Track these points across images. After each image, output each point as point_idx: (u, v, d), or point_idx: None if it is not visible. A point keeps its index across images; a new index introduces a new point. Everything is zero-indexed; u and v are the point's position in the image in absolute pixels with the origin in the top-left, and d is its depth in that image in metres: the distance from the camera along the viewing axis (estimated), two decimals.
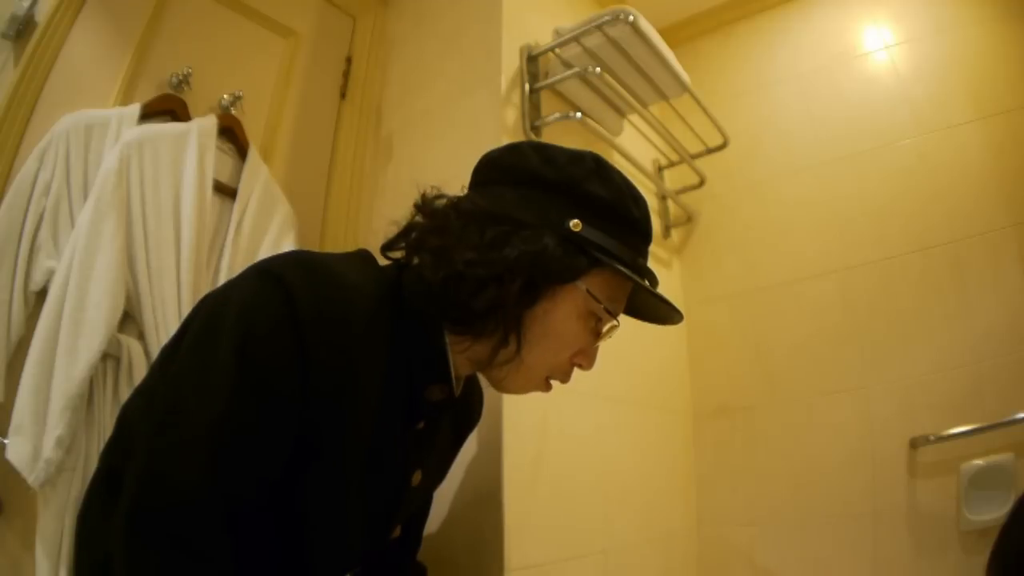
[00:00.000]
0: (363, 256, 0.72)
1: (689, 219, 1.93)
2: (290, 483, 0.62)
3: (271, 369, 0.58)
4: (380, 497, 0.72)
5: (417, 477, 0.78)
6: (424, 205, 0.74)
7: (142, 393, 0.71)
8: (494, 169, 0.75)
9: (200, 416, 0.56)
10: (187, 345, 0.62)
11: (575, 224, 0.68)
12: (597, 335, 0.75)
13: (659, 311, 0.77)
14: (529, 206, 0.69)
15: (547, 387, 0.76)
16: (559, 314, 0.70)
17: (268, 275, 0.61)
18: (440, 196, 0.76)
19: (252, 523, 0.59)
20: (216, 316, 0.61)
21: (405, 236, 0.74)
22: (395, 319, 0.67)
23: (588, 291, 0.70)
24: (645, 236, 0.75)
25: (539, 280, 0.67)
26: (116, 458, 0.68)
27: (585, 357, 0.75)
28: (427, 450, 0.79)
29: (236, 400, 0.56)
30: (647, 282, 0.73)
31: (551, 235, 0.67)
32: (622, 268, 0.69)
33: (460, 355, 0.72)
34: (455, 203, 0.73)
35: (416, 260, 0.70)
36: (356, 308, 0.62)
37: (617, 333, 0.78)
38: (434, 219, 0.71)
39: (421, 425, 0.74)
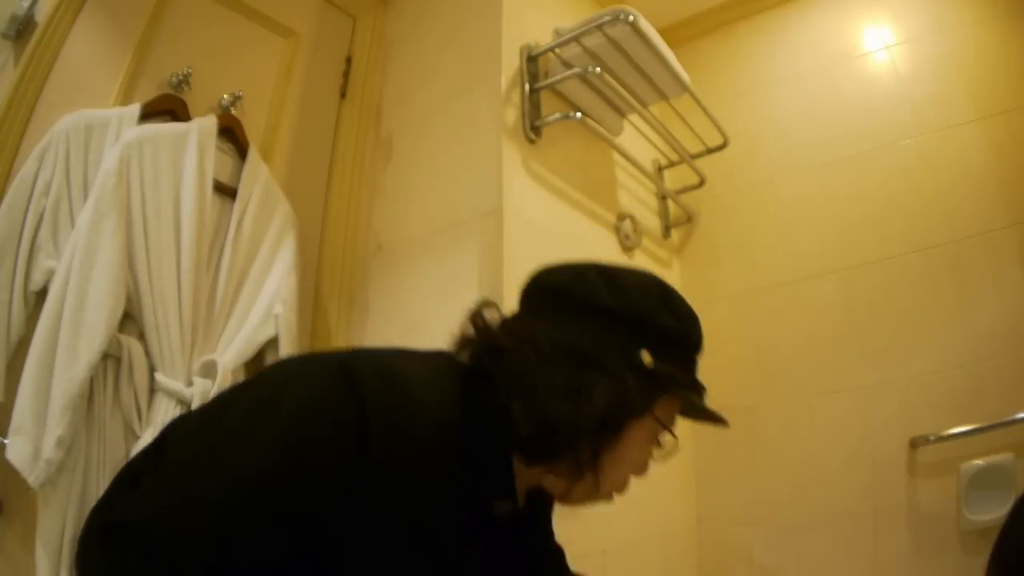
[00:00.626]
0: (446, 369, 0.70)
1: (689, 219, 1.93)
2: None
3: (319, 459, 0.56)
4: None
5: None
6: (489, 333, 0.73)
7: (193, 421, 0.72)
8: (561, 296, 0.73)
9: (230, 468, 0.56)
10: (245, 403, 0.62)
11: (647, 358, 0.68)
12: (656, 454, 0.76)
13: (708, 416, 0.79)
14: (606, 343, 0.69)
15: (610, 499, 0.76)
16: (630, 443, 0.70)
17: (346, 374, 0.60)
18: (491, 305, 0.76)
19: None
20: (285, 387, 0.61)
21: (474, 356, 0.72)
22: (466, 437, 0.65)
23: (656, 418, 0.71)
24: (699, 351, 0.77)
25: (621, 421, 0.68)
26: (147, 466, 0.68)
27: (644, 469, 0.76)
28: (504, 562, 0.78)
29: (271, 466, 0.55)
30: (709, 406, 0.75)
31: (630, 374, 0.67)
32: (689, 394, 0.72)
33: (529, 476, 0.72)
34: (526, 336, 0.70)
35: (501, 397, 0.68)
36: (426, 424, 0.61)
37: None
38: (513, 358, 0.68)
39: (484, 539, 0.73)
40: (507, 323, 0.74)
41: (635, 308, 0.70)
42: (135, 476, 0.68)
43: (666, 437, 0.74)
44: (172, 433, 0.71)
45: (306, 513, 0.57)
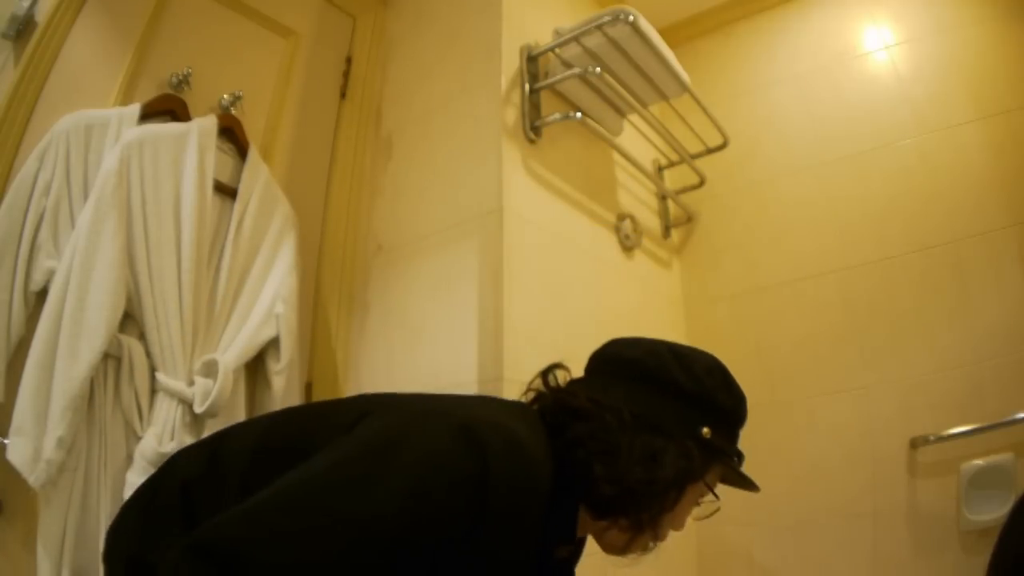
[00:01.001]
0: (539, 430, 0.74)
1: (689, 219, 1.93)
2: None
3: (436, 519, 0.58)
4: None
5: None
6: (565, 397, 0.78)
7: (252, 432, 0.73)
8: (635, 369, 0.80)
9: (342, 512, 0.55)
10: (363, 441, 0.62)
11: (707, 432, 0.76)
12: (696, 511, 0.84)
13: (743, 482, 0.86)
14: (676, 417, 0.76)
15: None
16: (683, 505, 0.78)
17: (471, 437, 0.61)
18: (562, 366, 0.83)
19: None
20: (407, 438, 0.61)
21: (552, 414, 0.77)
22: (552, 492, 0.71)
23: (706, 483, 0.78)
24: (742, 426, 0.85)
25: (682, 486, 0.75)
26: (196, 472, 0.70)
27: (682, 526, 0.82)
28: None
29: (386, 520, 0.56)
30: (749, 477, 0.84)
31: (693, 445, 0.75)
32: (736, 467, 0.81)
33: (588, 525, 0.78)
34: (605, 403, 0.76)
35: (580, 456, 0.73)
36: (539, 492, 0.66)
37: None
38: (595, 423, 0.74)
39: None
40: (578, 386, 0.81)
41: (702, 387, 0.78)
42: (185, 484, 0.70)
43: (707, 498, 0.82)
44: (225, 444, 0.73)
45: (416, 564, 0.58)
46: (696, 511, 0.84)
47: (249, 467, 0.69)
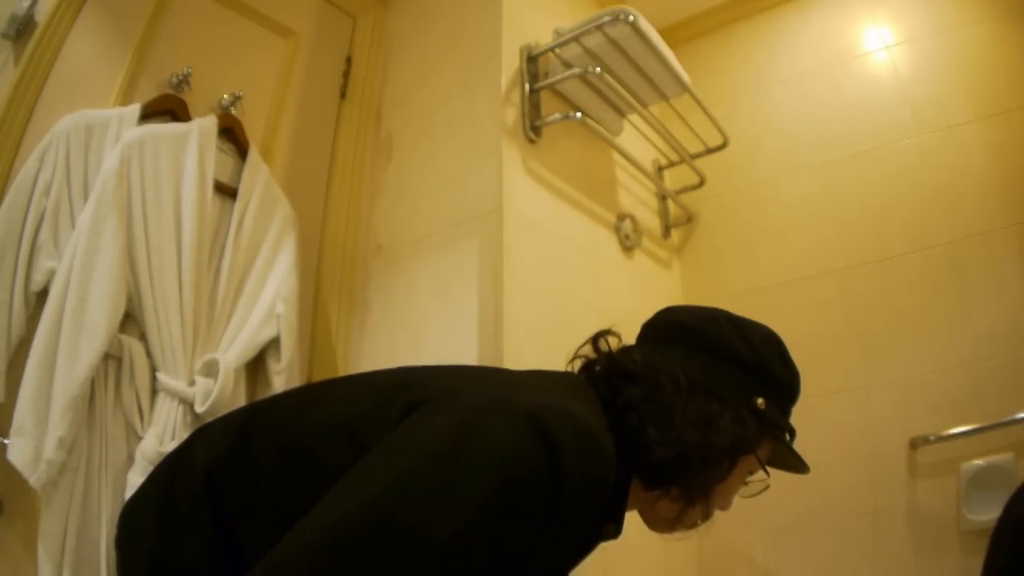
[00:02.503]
0: (597, 407, 0.71)
1: (689, 219, 1.93)
2: None
3: (514, 524, 0.55)
4: None
5: None
6: (616, 359, 0.77)
7: (281, 416, 0.70)
8: (694, 336, 0.79)
9: (424, 534, 0.51)
10: (424, 446, 0.57)
11: (761, 403, 0.75)
12: (744, 487, 0.83)
13: (792, 463, 0.85)
14: (732, 384, 0.75)
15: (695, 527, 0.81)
16: (734, 478, 0.77)
17: (539, 429, 0.57)
18: (612, 333, 0.80)
19: None
20: (471, 437, 0.57)
21: (604, 380, 0.75)
22: None
23: (757, 458, 0.77)
24: (796, 403, 0.85)
25: (736, 455, 0.74)
26: (221, 462, 0.66)
27: (729, 504, 0.82)
28: None
29: (468, 537, 0.52)
30: (800, 456, 0.82)
31: (748, 414, 0.74)
32: (789, 441, 0.79)
33: (636, 501, 0.77)
34: (660, 366, 0.74)
35: (630, 422, 0.71)
36: (610, 481, 0.64)
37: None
38: (649, 385, 0.72)
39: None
40: (632, 351, 0.78)
41: (759, 356, 0.77)
42: (210, 473, 0.65)
43: (756, 475, 0.81)
44: (254, 431, 0.68)
45: (495, 567, 0.56)
46: (744, 489, 0.82)
47: (282, 455, 0.65)
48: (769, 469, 0.81)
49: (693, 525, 0.78)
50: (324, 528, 0.51)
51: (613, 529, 0.77)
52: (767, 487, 0.81)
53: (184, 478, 0.67)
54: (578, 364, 0.81)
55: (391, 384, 0.69)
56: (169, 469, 0.70)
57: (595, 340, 0.80)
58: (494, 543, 0.54)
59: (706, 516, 0.77)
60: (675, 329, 0.80)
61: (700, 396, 0.72)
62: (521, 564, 0.60)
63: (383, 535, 0.50)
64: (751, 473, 0.80)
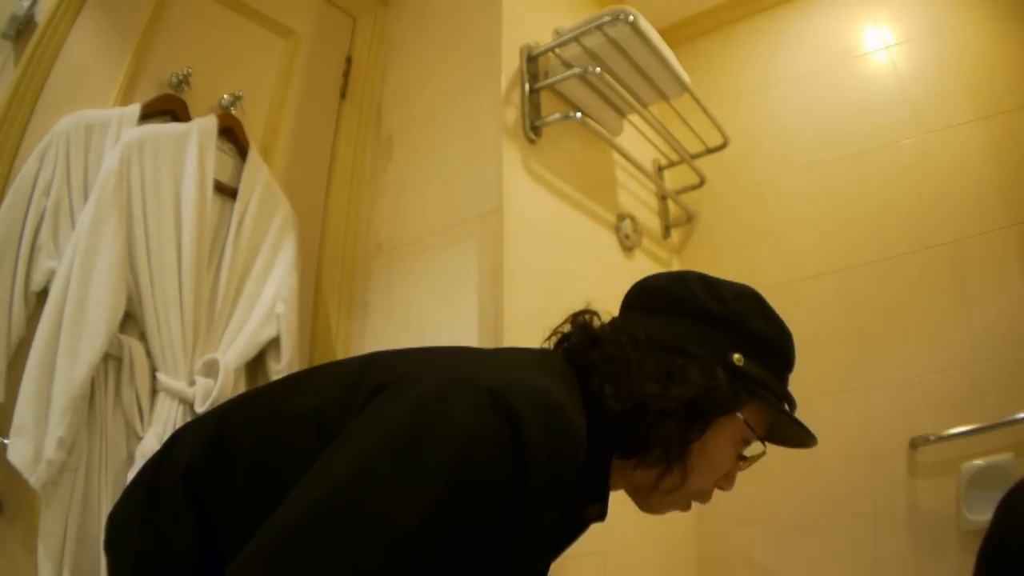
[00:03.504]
0: (568, 377, 0.69)
1: (689, 219, 1.93)
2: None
3: (479, 506, 0.54)
4: None
5: None
6: (588, 327, 0.76)
7: (254, 410, 0.69)
8: (660, 298, 0.77)
9: (385, 524, 0.50)
10: (385, 431, 0.56)
11: (738, 359, 0.71)
12: (743, 461, 0.78)
13: (797, 436, 0.80)
14: (697, 338, 0.71)
15: (688, 508, 0.78)
16: (719, 444, 0.72)
17: (501, 405, 0.56)
18: (591, 312, 0.79)
19: None
20: (432, 419, 0.55)
21: (575, 351, 0.74)
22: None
23: (745, 421, 0.72)
24: (791, 368, 0.80)
25: (709, 412, 0.70)
26: (200, 458, 0.65)
27: (729, 481, 0.77)
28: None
29: (431, 523, 0.51)
30: (799, 420, 0.76)
31: (721, 369, 0.70)
32: (776, 402, 0.74)
33: (617, 476, 0.73)
34: (623, 329, 0.73)
35: (593, 384, 0.69)
36: (580, 456, 0.61)
37: None
38: (608, 346, 0.71)
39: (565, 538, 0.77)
40: (605, 322, 0.77)
41: (730, 310, 0.73)
42: (190, 469, 0.65)
43: (752, 448, 0.76)
44: (229, 425, 0.67)
45: (464, 548, 0.55)
46: (742, 463, 0.77)
47: (256, 449, 0.64)
48: (773, 449, 0.78)
49: (682, 500, 0.75)
50: (287, 524, 0.50)
51: (597, 510, 0.74)
52: (763, 453, 0.77)
53: (165, 478, 0.66)
54: (556, 340, 0.79)
55: (359, 369, 0.67)
56: (152, 470, 0.69)
57: (574, 317, 0.79)
58: (462, 524, 0.53)
59: (689, 484, 0.72)
60: (647, 295, 0.78)
61: (661, 351, 0.70)
62: (497, 549, 0.58)
63: (346, 526, 0.50)
64: (746, 443, 0.75)
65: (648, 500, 0.76)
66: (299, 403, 0.67)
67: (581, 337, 0.75)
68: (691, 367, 0.68)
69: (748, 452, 0.77)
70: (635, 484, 0.74)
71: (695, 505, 0.78)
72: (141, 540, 0.64)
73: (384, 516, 0.50)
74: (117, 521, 0.69)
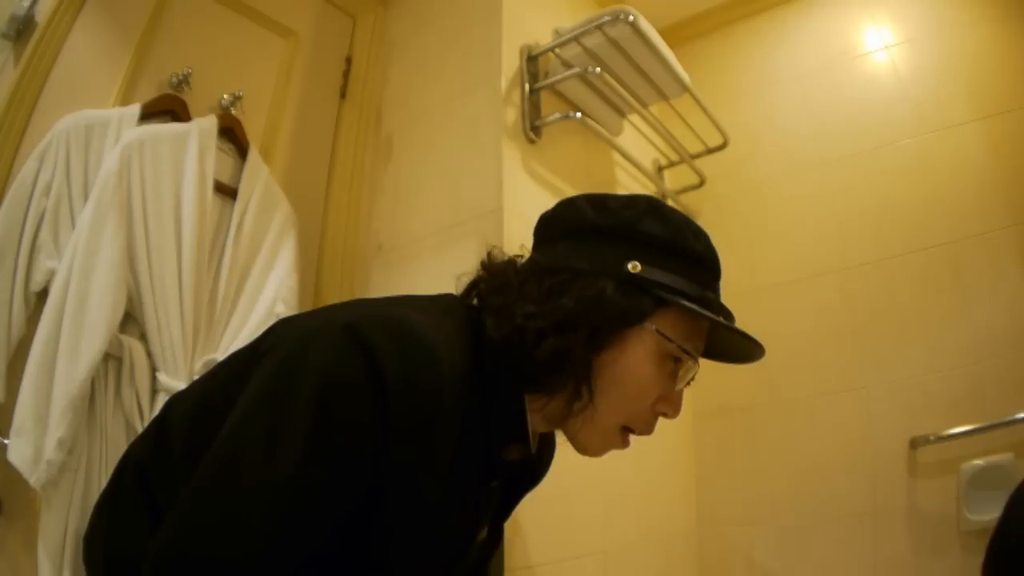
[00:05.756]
0: (453, 311, 0.69)
1: None
2: (360, 543, 0.61)
3: (346, 440, 0.56)
4: (446, 556, 0.71)
5: (483, 533, 0.78)
6: (489, 265, 0.75)
7: (190, 398, 0.70)
8: (550, 226, 0.75)
9: (262, 476, 0.54)
10: (259, 385, 0.59)
11: (633, 266, 0.67)
12: (676, 379, 0.72)
13: (739, 348, 0.74)
14: (584, 254, 0.68)
15: (625, 442, 0.74)
16: (631, 359, 0.67)
17: (355, 338, 0.57)
18: (496, 249, 0.77)
19: None
20: (293, 365, 0.58)
21: (471, 294, 0.74)
22: (477, 382, 0.65)
23: (659, 331, 0.67)
24: (712, 270, 0.73)
25: (602, 325, 0.66)
26: (147, 452, 0.67)
27: (668, 404, 0.72)
28: (495, 506, 0.79)
29: (303, 469, 0.54)
30: (722, 318, 0.69)
31: (608, 279, 0.66)
32: (689, 304, 0.67)
33: (536, 414, 0.71)
34: (514, 261, 0.73)
35: (484, 318, 0.68)
36: (444, 380, 0.60)
37: None
38: (495, 278, 0.71)
39: (494, 483, 0.74)
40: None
41: (617, 219, 0.70)
42: (139, 464, 0.67)
43: (685, 365, 0.70)
44: (170, 416, 0.69)
45: (348, 499, 0.57)
46: (678, 380, 0.71)
47: (192, 429, 0.65)
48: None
49: (608, 428, 0.70)
50: (187, 496, 0.55)
51: (519, 450, 0.71)
52: (695, 367, 0.71)
53: (126, 475, 0.68)
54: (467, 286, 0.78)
55: (264, 333, 0.69)
56: (114, 477, 0.71)
57: (481, 260, 0.77)
58: (336, 461, 0.55)
59: (605, 405, 0.67)
60: (543, 227, 0.76)
61: (544, 274, 0.67)
62: (398, 493, 0.59)
63: (228, 485, 0.54)
64: (676, 360, 0.70)
65: (576, 435, 0.72)
66: (220, 375, 0.69)
67: (481, 278, 0.74)
68: (575, 283, 0.66)
69: (683, 370, 0.71)
70: (552, 416, 0.71)
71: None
72: (108, 543, 0.66)
73: (260, 477, 0.53)
74: (90, 525, 0.71)
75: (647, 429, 0.73)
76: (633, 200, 0.72)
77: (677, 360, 0.70)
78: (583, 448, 0.73)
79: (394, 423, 0.56)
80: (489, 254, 0.76)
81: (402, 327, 0.59)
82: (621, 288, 0.66)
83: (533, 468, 0.83)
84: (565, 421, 0.70)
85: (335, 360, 0.57)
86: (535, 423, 0.71)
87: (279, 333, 0.66)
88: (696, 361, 0.72)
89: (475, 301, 0.73)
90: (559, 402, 0.68)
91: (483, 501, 0.73)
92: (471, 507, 0.71)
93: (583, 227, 0.71)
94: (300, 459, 0.54)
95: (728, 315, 0.72)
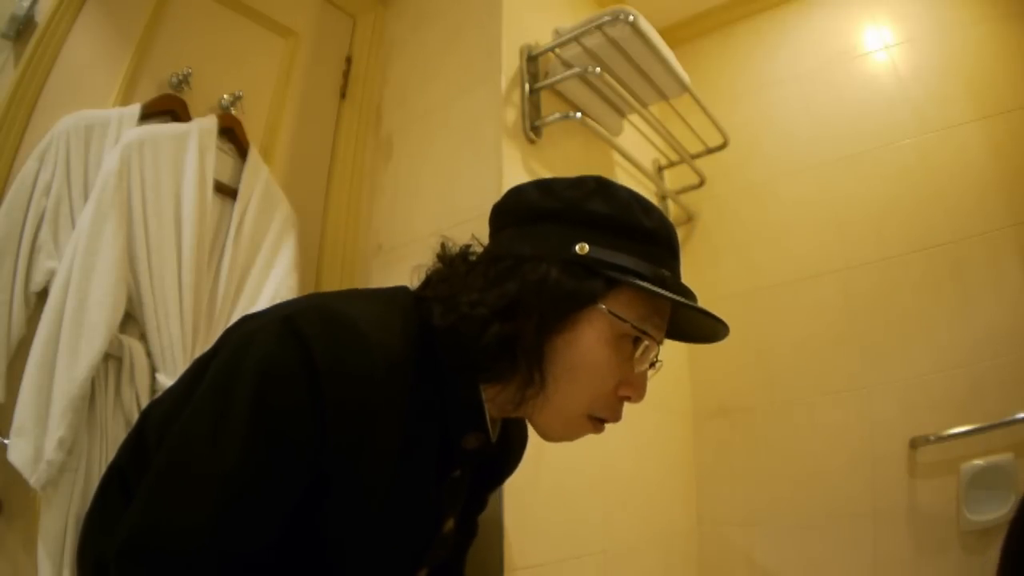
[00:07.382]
0: (398, 301, 0.69)
1: (689, 219, 1.93)
2: (312, 535, 0.62)
3: (287, 428, 0.57)
4: (408, 546, 0.71)
5: (449, 524, 0.78)
6: (443, 256, 0.75)
7: (165, 403, 0.71)
8: (500, 215, 0.75)
9: (208, 467, 0.56)
10: (208, 381, 0.61)
11: (581, 247, 0.66)
12: (635, 361, 0.69)
13: (703, 327, 0.73)
14: (529, 239, 0.68)
15: (596, 427, 0.72)
16: (584, 342, 0.66)
17: (290, 329, 0.59)
18: (448, 241, 0.78)
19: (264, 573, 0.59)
20: (237, 359, 0.60)
21: (425, 285, 0.74)
22: (424, 370, 0.65)
23: (611, 312, 0.66)
24: (667, 247, 0.71)
25: (549, 310, 0.65)
26: (127, 458, 0.69)
27: (631, 388, 0.70)
28: (461, 497, 0.79)
29: (245, 456, 0.56)
30: (680, 297, 0.68)
31: (554, 262, 0.65)
32: (641, 283, 0.65)
33: (491, 402, 0.71)
34: (466, 252, 0.74)
35: (432, 309, 0.69)
36: (377, 365, 0.60)
37: None
38: (445, 268, 0.72)
39: (457, 473, 0.74)
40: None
41: (563, 202, 0.69)
42: (120, 469, 0.69)
43: (643, 348, 0.68)
44: (147, 422, 0.70)
45: (295, 486, 0.59)
46: (636, 363, 0.69)
47: (165, 433, 0.65)
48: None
49: (568, 413, 0.69)
50: (145, 490, 0.57)
51: (476, 439, 0.71)
52: (653, 348, 0.69)
53: (111, 486, 0.70)
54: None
55: (224, 333, 0.70)
56: (102, 483, 0.72)
57: (438, 256, 0.76)
58: (277, 450, 0.57)
59: (559, 391, 0.66)
60: (494, 218, 0.76)
61: (490, 263, 0.67)
62: (344, 484, 0.60)
63: (178, 477, 0.56)
64: (635, 341, 0.68)
65: (534, 420, 0.71)
66: (187, 377, 0.70)
67: (435, 267, 0.75)
68: (519, 268, 0.65)
69: (641, 351, 0.69)
70: (507, 403, 0.69)
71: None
72: (96, 544, 0.68)
73: (207, 468, 0.55)
74: (82, 531, 0.72)
75: (613, 415, 0.72)
76: (580, 181, 0.71)
77: (636, 341, 0.68)
78: (544, 434, 0.73)
79: (330, 410, 0.58)
80: (443, 245, 0.77)
81: (335, 316, 0.61)
82: (567, 270, 0.65)
83: (499, 457, 0.83)
84: (520, 407, 0.69)
85: (272, 352, 0.59)
86: (492, 411, 0.71)
87: (233, 330, 0.67)
88: (657, 341, 0.70)
89: (429, 292, 0.73)
90: (512, 389, 0.68)
91: (445, 491, 0.73)
92: (431, 497, 0.71)
93: (530, 212, 0.70)
94: (242, 448, 0.56)
95: (688, 294, 0.71)
